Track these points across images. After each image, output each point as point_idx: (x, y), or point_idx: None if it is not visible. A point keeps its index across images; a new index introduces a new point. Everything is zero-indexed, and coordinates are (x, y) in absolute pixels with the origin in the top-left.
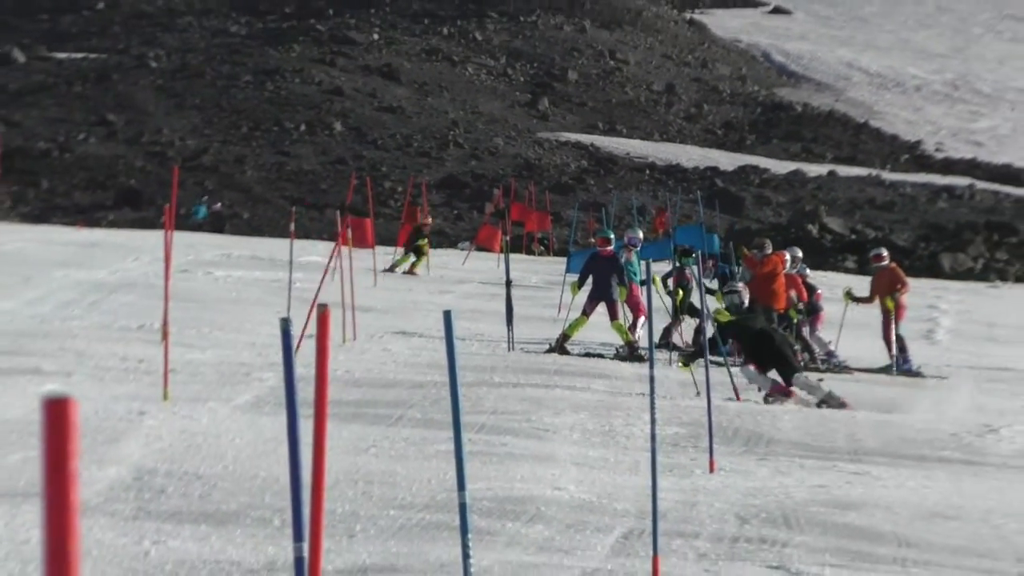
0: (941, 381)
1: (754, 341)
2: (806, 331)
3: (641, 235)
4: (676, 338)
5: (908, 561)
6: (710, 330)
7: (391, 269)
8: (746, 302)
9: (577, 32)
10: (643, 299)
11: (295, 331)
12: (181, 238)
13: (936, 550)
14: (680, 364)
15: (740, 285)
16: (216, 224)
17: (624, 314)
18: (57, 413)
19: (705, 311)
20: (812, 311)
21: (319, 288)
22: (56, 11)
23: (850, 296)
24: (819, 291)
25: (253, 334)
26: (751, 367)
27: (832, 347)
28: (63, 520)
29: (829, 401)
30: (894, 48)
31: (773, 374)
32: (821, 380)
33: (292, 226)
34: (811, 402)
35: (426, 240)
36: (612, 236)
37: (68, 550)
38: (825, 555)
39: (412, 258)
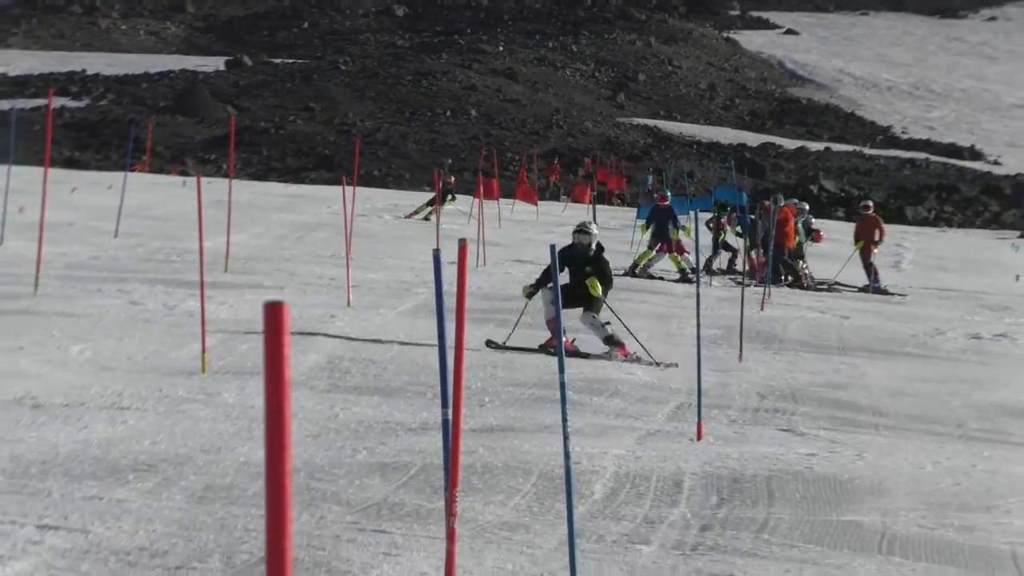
0: (903, 298)
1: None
2: (805, 265)
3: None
4: (715, 266)
5: (880, 426)
6: (746, 261)
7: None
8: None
9: (645, 46)
10: (685, 241)
11: (443, 259)
12: (361, 191)
13: (900, 418)
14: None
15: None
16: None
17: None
18: (275, 314)
19: (734, 248)
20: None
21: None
22: (274, 28)
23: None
24: (821, 232)
25: (412, 260)
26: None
27: (832, 278)
28: (278, 391)
29: (610, 342)
30: (873, 59)
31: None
32: (607, 324)
33: (440, 183)
34: (598, 337)
35: (451, 197)
36: (669, 193)
37: (282, 413)
38: (820, 421)
39: (429, 209)
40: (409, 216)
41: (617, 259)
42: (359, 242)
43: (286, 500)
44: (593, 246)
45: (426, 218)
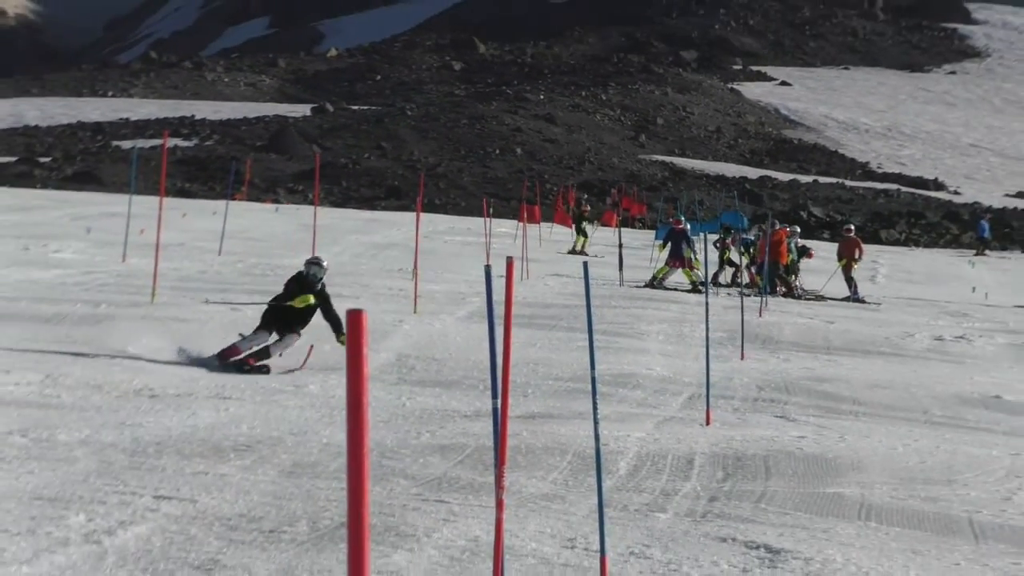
0: (878, 306)
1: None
2: (797, 278)
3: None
4: (721, 279)
5: (859, 413)
6: (747, 276)
7: (573, 251)
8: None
9: (662, 95)
10: (694, 258)
11: (493, 273)
12: (424, 217)
13: (875, 407)
14: None
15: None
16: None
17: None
18: (355, 320)
19: (740, 263)
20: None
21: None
22: (352, 81)
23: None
24: (812, 250)
25: (467, 274)
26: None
27: (818, 289)
28: (358, 383)
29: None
30: (853, 106)
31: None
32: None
33: (490, 211)
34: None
35: (587, 222)
36: (683, 218)
37: (361, 401)
38: (809, 409)
39: (582, 239)
40: (573, 252)
41: (638, 273)
42: (423, 259)
43: (364, 475)
44: (323, 280)
45: (582, 250)
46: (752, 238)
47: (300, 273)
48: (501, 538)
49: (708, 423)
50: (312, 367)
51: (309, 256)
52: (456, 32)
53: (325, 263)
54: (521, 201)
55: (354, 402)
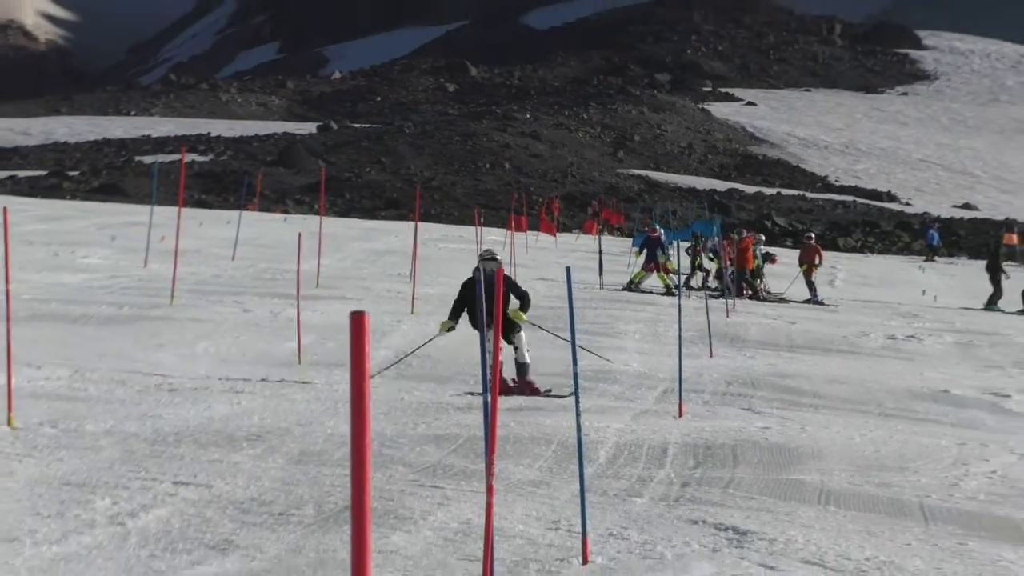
0: (836, 308)
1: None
2: (763, 282)
3: (662, 230)
4: (693, 283)
5: (819, 406)
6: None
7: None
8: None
9: (639, 114)
10: (668, 262)
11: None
12: (421, 226)
13: (834, 400)
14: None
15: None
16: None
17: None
18: (358, 321)
19: (707, 269)
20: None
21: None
22: (354, 101)
23: (802, 268)
24: (775, 256)
25: (460, 278)
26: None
27: (781, 292)
28: (359, 379)
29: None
30: (813, 124)
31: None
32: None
33: (481, 220)
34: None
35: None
36: (658, 227)
37: (363, 395)
38: (774, 403)
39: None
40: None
41: (617, 277)
42: (419, 264)
43: (366, 462)
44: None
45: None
46: (714, 245)
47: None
48: (491, 520)
49: (680, 415)
50: (316, 363)
51: (316, 257)
52: (450, 57)
53: (499, 255)
54: (509, 211)
55: (357, 395)
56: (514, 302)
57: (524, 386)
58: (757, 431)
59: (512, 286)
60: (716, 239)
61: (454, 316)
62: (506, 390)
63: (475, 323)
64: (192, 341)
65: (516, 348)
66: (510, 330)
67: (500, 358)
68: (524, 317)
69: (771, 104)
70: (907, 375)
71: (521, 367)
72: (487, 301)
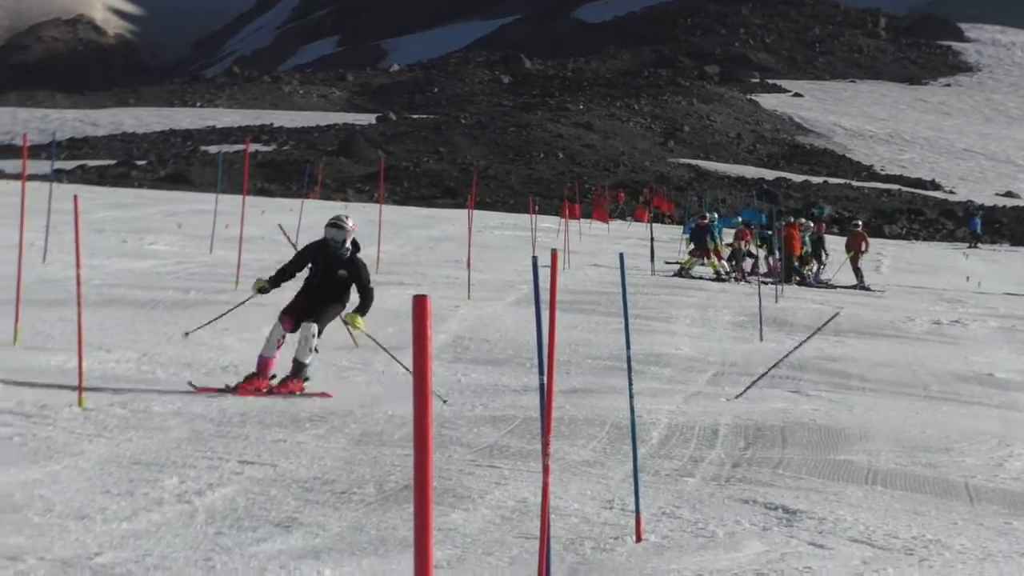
0: (882, 293)
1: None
2: (809, 269)
3: (716, 216)
4: (742, 268)
5: (866, 389)
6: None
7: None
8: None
9: (689, 105)
10: (722, 250)
11: (539, 263)
12: (476, 214)
13: (880, 383)
14: None
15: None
16: None
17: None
18: (420, 304)
19: (758, 255)
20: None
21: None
22: (412, 92)
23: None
24: (823, 223)
25: (515, 264)
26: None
27: (830, 276)
28: (422, 360)
29: (297, 370)
30: (859, 115)
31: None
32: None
33: (535, 208)
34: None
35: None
36: (708, 214)
37: (425, 377)
38: (821, 385)
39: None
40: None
41: (666, 265)
42: (476, 251)
43: (428, 442)
44: (348, 244)
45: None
46: (771, 232)
47: (320, 242)
48: (547, 499)
49: (737, 397)
50: (376, 346)
51: (376, 244)
52: (505, 49)
53: (349, 221)
54: (563, 199)
55: (420, 377)
56: (354, 297)
57: (282, 386)
58: (805, 413)
59: (356, 270)
60: (773, 226)
61: (274, 281)
62: (249, 390)
63: (299, 302)
64: (257, 325)
65: (304, 340)
66: (318, 316)
67: (281, 349)
68: (362, 324)
69: (817, 95)
70: (952, 359)
71: (298, 366)
72: (323, 276)
